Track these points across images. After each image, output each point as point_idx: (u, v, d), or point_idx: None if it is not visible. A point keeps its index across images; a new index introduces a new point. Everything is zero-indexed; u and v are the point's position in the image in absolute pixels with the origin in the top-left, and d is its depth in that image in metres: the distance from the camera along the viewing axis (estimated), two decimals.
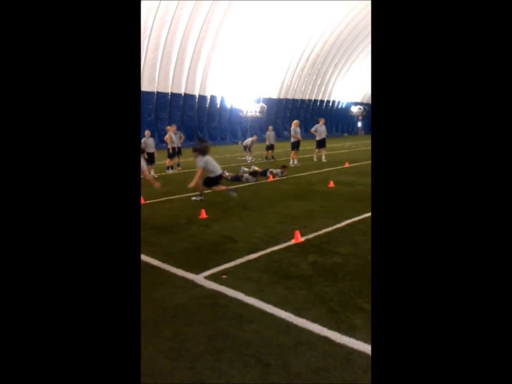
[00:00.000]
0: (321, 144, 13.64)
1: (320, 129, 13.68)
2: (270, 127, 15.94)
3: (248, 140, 15.35)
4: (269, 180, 9.40)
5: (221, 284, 3.27)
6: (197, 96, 27.56)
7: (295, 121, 14.00)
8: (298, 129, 13.53)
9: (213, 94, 28.62)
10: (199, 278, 3.41)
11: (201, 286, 3.24)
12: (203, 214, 5.84)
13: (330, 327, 2.50)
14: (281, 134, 29.83)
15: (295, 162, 12.76)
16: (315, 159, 13.66)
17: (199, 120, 28.46)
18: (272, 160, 14.51)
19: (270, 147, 15.05)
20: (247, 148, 14.89)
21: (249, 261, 3.82)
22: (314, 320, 2.60)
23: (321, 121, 14.10)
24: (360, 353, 2.21)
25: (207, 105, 28.58)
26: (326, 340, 2.37)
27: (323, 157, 13.56)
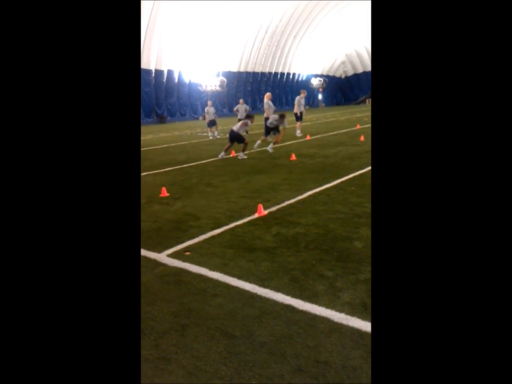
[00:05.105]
0: (301, 117, 13.42)
1: (302, 101, 13.40)
2: (241, 100, 15.45)
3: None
4: (232, 156, 9.31)
5: (184, 261, 3.23)
6: (153, 70, 26.50)
7: (267, 94, 13.56)
8: (271, 103, 13.07)
9: (170, 69, 27.62)
10: (162, 257, 3.36)
11: (164, 264, 3.20)
12: (164, 192, 5.71)
13: (293, 295, 2.56)
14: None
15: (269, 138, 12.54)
16: (300, 134, 13.13)
17: (156, 96, 27.51)
18: (246, 134, 14.15)
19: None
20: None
21: (212, 237, 3.80)
22: (277, 289, 2.65)
23: (304, 93, 13.64)
24: (322, 319, 2.28)
25: (164, 80, 27.60)
26: (290, 307, 2.42)
27: (299, 131, 13.29)
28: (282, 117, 9.80)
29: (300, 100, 13.45)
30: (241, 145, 8.97)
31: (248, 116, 9.82)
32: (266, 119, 12.55)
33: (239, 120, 14.63)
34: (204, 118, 16.86)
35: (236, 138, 9.01)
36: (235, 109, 15.04)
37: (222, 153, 9.12)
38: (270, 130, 10.05)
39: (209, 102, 15.63)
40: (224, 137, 14.48)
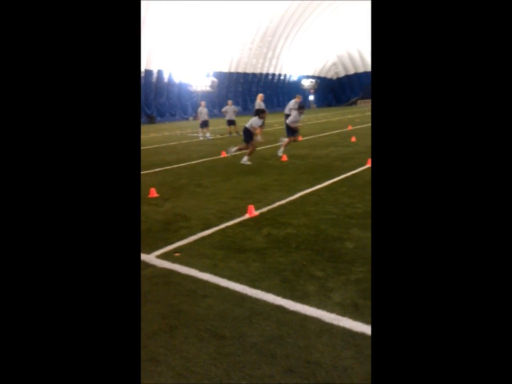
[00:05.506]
0: None
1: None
2: (229, 101, 15.43)
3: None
4: (222, 156, 9.28)
5: (173, 262, 3.20)
6: (143, 70, 26.30)
7: (260, 95, 13.54)
8: (263, 104, 13.00)
9: (160, 68, 27.46)
10: (151, 258, 3.32)
11: (153, 266, 3.16)
12: (153, 193, 5.66)
13: (284, 296, 2.54)
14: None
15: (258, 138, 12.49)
16: None
17: (146, 96, 27.32)
18: (236, 135, 14.00)
19: (231, 122, 14.59)
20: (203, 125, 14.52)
21: (203, 238, 3.77)
22: (268, 290, 2.63)
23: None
24: (313, 319, 2.27)
25: (154, 80, 27.43)
26: (280, 308, 2.40)
27: None
28: (301, 107, 8.98)
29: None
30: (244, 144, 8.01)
31: (258, 111, 8.13)
32: None
33: (228, 121, 14.59)
34: (195, 119, 16.78)
35: (246, 135, 7.93)
36: (223, 110, 14.99)
37: (245, 158, 7.94)
38: (294, 130, 8.98)
39: (202, 103, 15.56)
40: (215, 137, 14.44)
